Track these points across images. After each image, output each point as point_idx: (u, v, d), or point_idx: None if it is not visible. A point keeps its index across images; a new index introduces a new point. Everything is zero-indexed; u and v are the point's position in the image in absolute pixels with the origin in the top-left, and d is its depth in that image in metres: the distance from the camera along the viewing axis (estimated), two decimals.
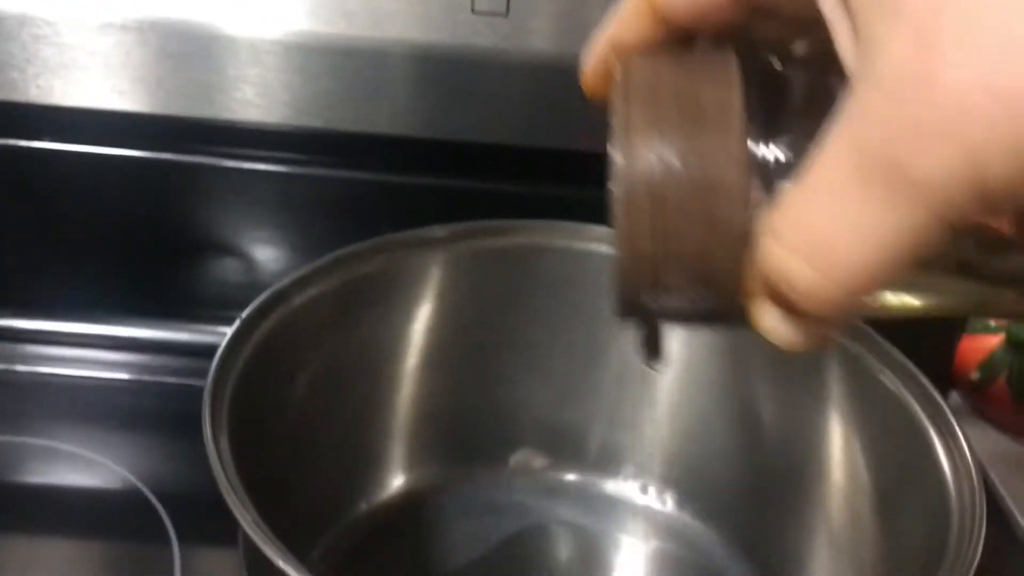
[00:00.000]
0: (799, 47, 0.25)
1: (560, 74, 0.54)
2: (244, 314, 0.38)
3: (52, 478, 0.50)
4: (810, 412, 0.43)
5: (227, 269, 0.59)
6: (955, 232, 0.19)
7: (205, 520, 0.46)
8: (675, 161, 0.22)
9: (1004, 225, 0.22)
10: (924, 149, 0.17)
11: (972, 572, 0.30)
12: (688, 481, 0.49)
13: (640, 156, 0.22)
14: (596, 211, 0.48)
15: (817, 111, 0.22)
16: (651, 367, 0.31)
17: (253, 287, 0.59)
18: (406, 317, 0.45)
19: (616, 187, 0.23)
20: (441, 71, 0.53)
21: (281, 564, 0.29)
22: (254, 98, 0.54)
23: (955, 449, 0.36)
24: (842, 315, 0.20)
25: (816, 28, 0.22)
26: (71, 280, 0.59)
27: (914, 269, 0.20)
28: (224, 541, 0.45)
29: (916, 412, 0.38)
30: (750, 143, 0.22)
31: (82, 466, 0.50)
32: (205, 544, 0.46)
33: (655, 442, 0.50)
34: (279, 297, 0.39)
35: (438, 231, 0.45)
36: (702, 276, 0.23)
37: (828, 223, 0.19)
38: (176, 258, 0.59)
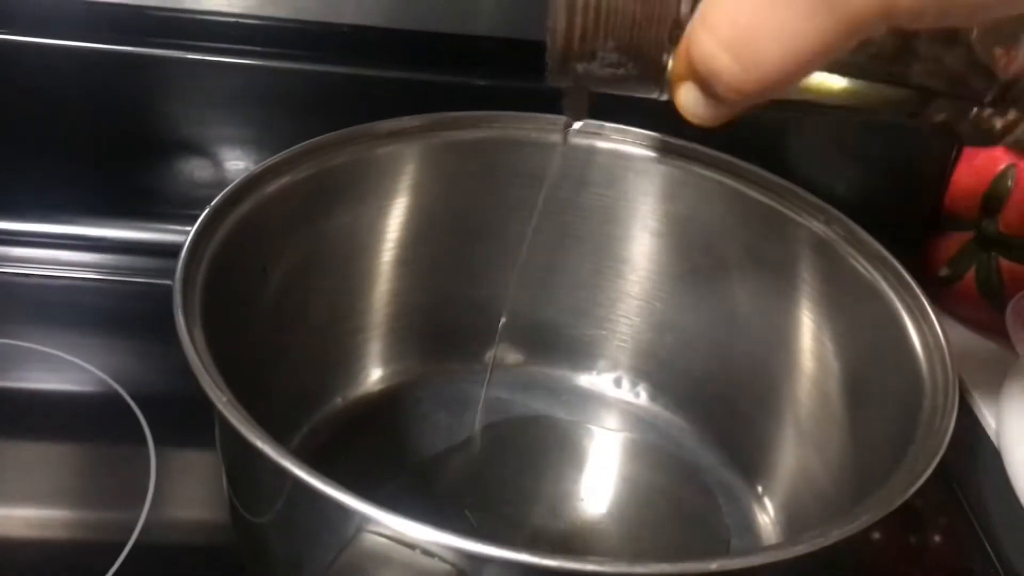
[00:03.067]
0: None
1: None
2: (214, 201, 0.37)
3: (24, 379, 0.50)
4: (783, 301, 0.43)
5: (193, 166, 0.58)
6: (861, 42, 0.22)
7: (181, 421, 0.47)
8: None
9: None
10: None
11: (944, 446, 0.31)
12: (661, 373, 0.49)
13: None
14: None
15: None
16: (573, 120, 0.36)
17: (219, 184, 0.58)
18: (378, 209, 0.44)
19: None
20: None
21: (258, 443, 0.29)
22: None
23: (928, 332, 0.36)
24: (753, 102, 0.23)
25: None
26: (34, 179, 0.58)
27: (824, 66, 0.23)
28: (200, 443, 0.45)
29: (890, 297, 0.38)
30: None
31: (55, 367, 0.50)
32: (181, 445, 0.46)
33: (628, 335, 0.50)
34: (250, 185, 0.38)
35: (410, 121, 0.44)
36: (632, 50, 0.25)
37: (756, 24, 0.22)
38: (141, 155, 0.58)
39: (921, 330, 0.37)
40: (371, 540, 0.28)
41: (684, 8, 0.24)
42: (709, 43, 0.22)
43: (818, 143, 0.59)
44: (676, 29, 0.24)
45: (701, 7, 0.23)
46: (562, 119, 0.46)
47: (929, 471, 0.30)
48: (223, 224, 0.37)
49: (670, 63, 0.25)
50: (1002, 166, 0.56)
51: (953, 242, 0.59)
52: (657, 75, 0.26)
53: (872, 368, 0.39)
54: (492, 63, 0.56)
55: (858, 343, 0.39)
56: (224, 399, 0.30)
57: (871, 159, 0.60)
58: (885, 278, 0.39)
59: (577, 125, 0.38)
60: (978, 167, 0.57)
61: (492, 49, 0.55)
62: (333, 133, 0.42)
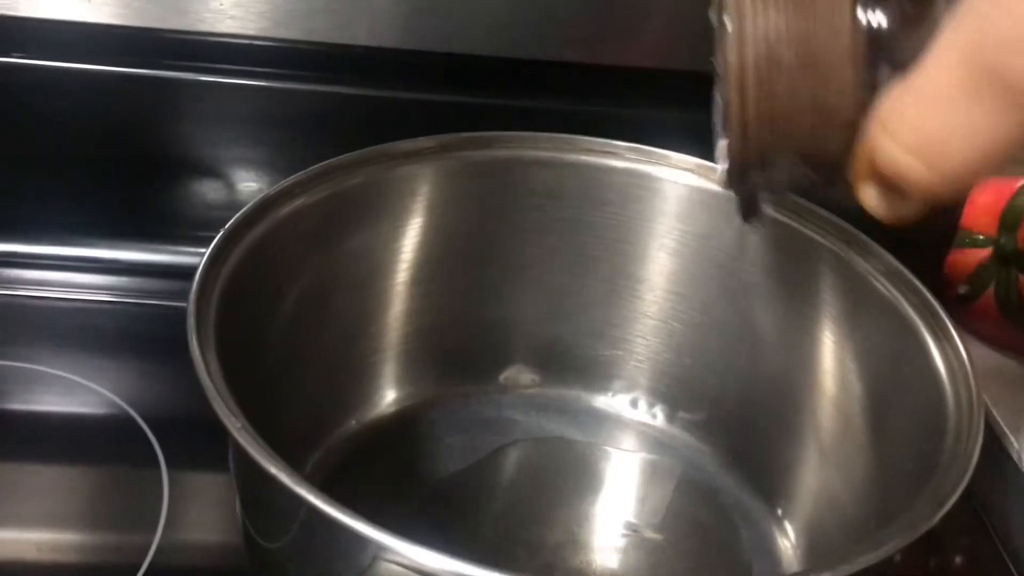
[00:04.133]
0: None
1: None
2: (228, 224, 0.37)
3: (37, 402, 0.49)
4: (802, 320, 0.42)
5: (206, 188, 0.58)
6: None
7: (194, 444, 0.46)
8: (786, 46, 0.24)
9: None
10: None
11: (971, 470, 0.30)
12: (678, 394, 0.49)
13: (751, 39, 0.23)
14: (581, 123, 0.47)
15: None
16: (750, 224, 0.35)
17: (233, 206, 0.58)
18: (394, 230, 0.44)
19: (726, 69, 0.24)
20: None
21: (272, 470, 0.28)
22: (229, 8, 0.52)
23: (951, 351, 0.36)
24: (943, 200, 0.23)
25: None
26: (48, 202, 0.58)
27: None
28: (213, 465, 0.45)
29: (911, 317, 0.38)
30: (857, 11, 0.24)
31: (68, 390, 0.49)
32: (194, 468, 0.46)
33: (645, 356, 0.49)
34: (265, 206, 0.38)
35: (426, 142, 0.44)
36: (808, 156, 0.25)
37: (939, 126, 0.22)
38: (153, 178, 0.58)
39: (944, 351, 0.36)
40: (387, 569, 0.27)
41: (858, 111, 0.24)
42: (893, 148, 0.23)
43: None
44: (852, 131, 0.24)
45: (880, 110, 0.23)
46: (574, 139, 0.46)
47: (956, 496, 0.29)
48: (237, 247, 0.37)
49: (849, 166, 0.25)
50: (1020, 183, 0.55)
51: (971, 259, 0.58)
52: (836, 177, 0.25)
53: (894, 389, 0.38)
54: (505, 83, 0.56)
55: (879, 363, 0.39)
56: (238, 424, 0.30)
57: None
58: (905, 297, 0.38)
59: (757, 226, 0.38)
60: (995, 184, 0.57)
61: (504, 69, 0.55)
62: (348, 154, 0.41)
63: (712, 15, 0.28)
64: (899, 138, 0.22)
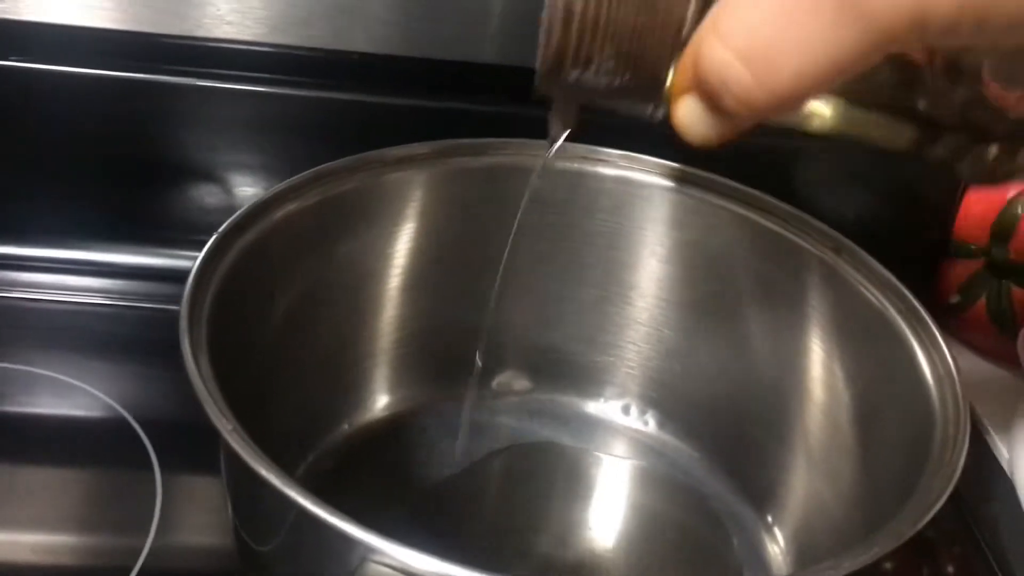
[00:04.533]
0: None
1: None
2: (221, 228, 0.37)
3: (31, 404, 0.49)
4: (791, 328, 0.43)
5: (202, 192, 0.58)
6: (883, 59, 0.20)
7: (188, 447, 0.46)
8: None
9: (919, 57, 0.24)
10: None
11: (956, 476, 0.31)
12: (670, 401, 0.49)
13: None
14: (577, 132, 0.48)
15: None
16: (559, 133, 0.33)
17: (228, 211, 0.57)
18: (386, 236, 0.44)
19: None
20: None
21: (262, 472, 0.28)
22: (227, 14, 0.52)
23: (937, 358, 0.36)
24: (760, 118, 0.22)
25: None
26: (43, 204, 0.58)
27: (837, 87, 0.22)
28: (207, 469, 0.45)
29: (899, 325, 0.38)
30: None
31: (62, 392, 0.49)
32: (188, 472, 0.46)
33: (636, 362, 0.50)
34: (257, 211, 0.38)
35: (419, 148, 0.44)
36: (631, 58, 0.23)
37: (775, 33, 0.20)
38: (149, 181, 0.58)
39: (931, 359, 0.36)
40: (375, 570, 0.27)
41: (689, 17, 0.23)
42: (722, 52, 0.21)
43: (826, 170, 0.59)
44: (679, 38, 0.23)
45: (712, 14, 0.22)
46: (567, 147, 0.46)
47: (940, 504, 0.29)
48: (230, 251, 0.37)
49: (671, 75, 0.24)
50: (1011, 194, 0.56)
51: (963, 269, 0.59)
52: (655, 87, 0.24)
53: (883, 397, 0.38)
54: (500, 90, 0.56)
55: (868, 371, 0.39)
56: (229, 427, 0.30)
57: (879, 186, 0.60)
58: (895, 306, 0.39)
59: (562, 138, 0.35)
60: (987, 194, 0.57)
61: (500, 77, 0.56)
62: (341, 160, 0.42)
63: None
64: (729, 41, 0.21)
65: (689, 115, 0.23)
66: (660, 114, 0.25)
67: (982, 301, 0.58)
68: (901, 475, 0.34)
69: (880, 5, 0.19)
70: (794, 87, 0.21)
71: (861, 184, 0.60)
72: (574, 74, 0.24)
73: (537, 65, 0.25)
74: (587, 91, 0.25)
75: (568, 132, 0.31)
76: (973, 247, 0.58)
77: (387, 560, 0.27)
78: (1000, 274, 0.57)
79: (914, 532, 0.28)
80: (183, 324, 0.33)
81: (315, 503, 0.28)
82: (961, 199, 0.59)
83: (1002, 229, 0.56)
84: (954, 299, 0.59)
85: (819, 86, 0.21)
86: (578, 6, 0.23)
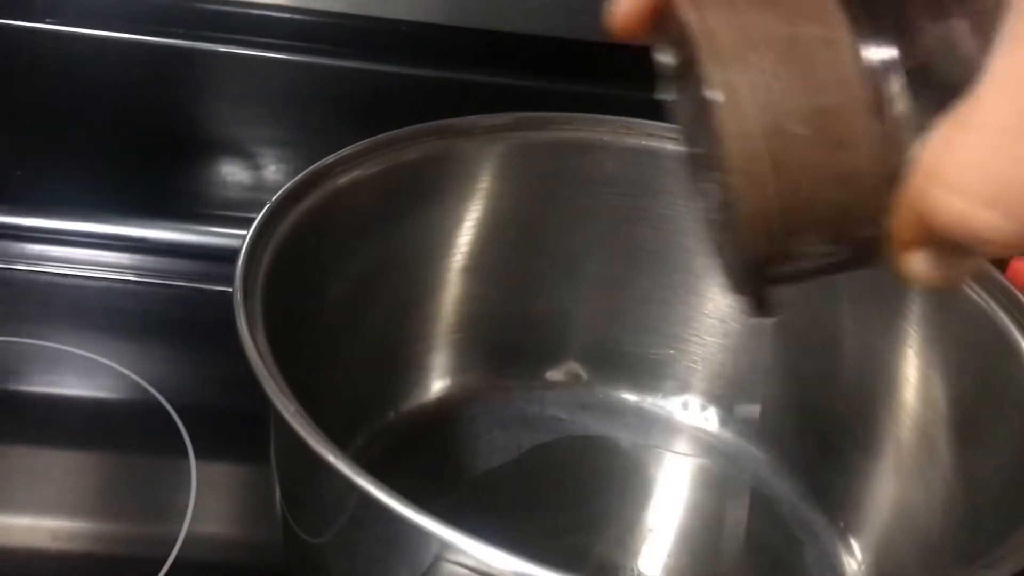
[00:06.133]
0: None
1: None
2: (276, 196, 0.34)
3: (60, 384, 0.47)
4: (880, 325, 0.40)
5: (238, 168, 0.56)
6: None
7: (224, 432, 0.45)
8: (789, 106, 0.19)
9: None
10: None
11: None
12: (733, 398, 0.46)
13: (747, 100, 0.19)
14: (633, 109, 0.45)
15: (923, 21, 0.19)
16: (763, 320, 0.29)
17: (265, 188, 0.56)
18: (448, 211, 0.42)
19: (724, 142, 0.19)
20: None
21: (330, 458, 0.26)
22: None
23: None
24: (1019, 251, 0.19)
25: None
26: (76, 175, 0.56)
27: None
28: (244, 455, 0.43)
29: (1003, 322, 0.35)
30: (861, 51, 0.19)
31: (92, 371, 0.47)
32: (224, 458, 0.44)
33: (700, 356, 0.47)
34: (313, 180, 0.36)
35: (482, 120, 0.42)
36: (838, 236, 0.20)
37: (1013, 166, 0.18)
38: (185, 155, 0.56)
39: None
40: (451, 571, 0.25)
41: (890, 167, 0.20)
42: (958, 202, 0.18)
43: None
44: (887, 194, 0.20)
45: (924, 161, 0.19)
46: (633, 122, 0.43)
47: None
48: (284, 221, 0.35)
49: (889, 233, 0.20)
50: None
51: None
52: (873, 251, 0.21)
53: (983, 402, 0.35)
54: (555, 65, 0.54)
55: (969, 374, 0.36)
56: (292, 408, 0.27)
57: None
58: (997, 301, 0.36)
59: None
60: None
61: (554, 49, 0.53)
62: (405, 128, 0.39)
63: (661, 58, 0.23)
64: (964, 188, 0.18)
65: (923, 267, 0.20)
66: (883, 268, 0.22)
67: None
68: (1008, 483, 0.31)
69: None
70: None
71: None
72: (774, 271, 0.21)
73: (730, 274, 0.23)
74: (792, 279, 0.22)
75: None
76: None
77: (466, 560, 0.25)
78: None
79: None
80: (238, 298, 0.31)
81: (388, 492, 0.25)
82: None
83: None
84: None
85: None
86: (769, 205, 0.20)
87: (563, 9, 0.52)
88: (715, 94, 0.19)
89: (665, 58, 0.23)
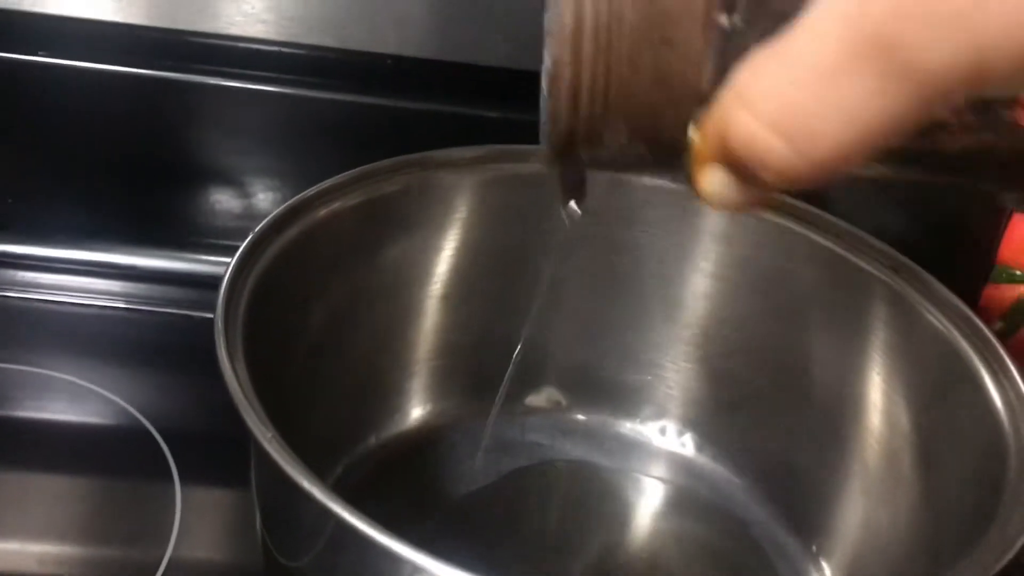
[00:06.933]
0: None
1: None
2: (259, 226, 0.35)
3: (48, 409, 0.48)
4: (847, 351, 0.41)
5: (228, 197, 0.57)
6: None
7: (209, 457, 0.45)
8: (629, 8, 0.20)
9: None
10: (931, 36, 0.17)
11: None
12: (710, 424, 0.47)
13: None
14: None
15: None
16: (570, 210, 0.30)
17: (255, 216, 0.57)
18: (428, 240, 0.43)
19: (555, 19, 0.21)
20: None
21: (305, 485, 0.27)
22: (262, 12, 0.51)
23: (1009, 386, 0.34)
24: (800, 185, 0.20)
25: None
26: (67, 204, 0.56)
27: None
28: (229, 480, 0.43)
29: (963, 348, 0.36)
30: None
31: (80, 397, 0.48)
32: (209, 483, 0.44)
33: (676, 383, 0.48)
34: (298, 209, 0.37)
35: (466, 152, 0.43)
36: (645, 133, 0.21)
37: (811, 100, 0.18)
38: (177, 184, 0.57)
39: (1001, 385, 0.35)
40: None
41: (707, 82, 0.21)
42: (752, 124, 0.19)
43: (866, 189, 0.58)
44: (698, 105, 0.21)
45: (736, 80, 0.20)
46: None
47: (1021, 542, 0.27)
48: (267, 250, 0.36)
49: (692, 144, 0.21)
50: None
51: (1008, 295, 0.57)
52: (674, 158, 0.22)
53: (947, 425, 0.36)
54: (532, 97, 0.55)
55: (931, 398, 0.37)
56: (268, 435, 0.28)
57: (921, 207, 0.58)
58: (958, 328, 0.37)
59: (578, 209, 0.33)
60: None
61: (533, 83, 0.54)
62: (386, 160, 0.40)
63: None
64: (760, 112, 0.19)
65: (716, 185, 0.21)
66: (680, 179, 0.23)
67: None
68: (970, 507, 0.32)
69: (933, 61, 0.17)
70: (837, 156, 0.19)
71: (901, 207, 0.58)
72: (585, 150, 0.22)
73: (542, 142, 0.24)
74: (599, 165, 0.23)
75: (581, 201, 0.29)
76: (1018, 272, 0.57)
77: None
78: None
79: (1004, 563, 0.26)
80: (219, 326, 0.32)
81: (361, 518, 0.26)
82: (1006, 224, 0.57)
83: None
84: (997, 325, 0.57)
85: (865, 153, 0.19)
86: (585, 82, 0.21)
87: (541, 44, 0.53)
88: None
89: None
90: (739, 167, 0.20)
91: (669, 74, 0.20)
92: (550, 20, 0.22)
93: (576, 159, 0.23)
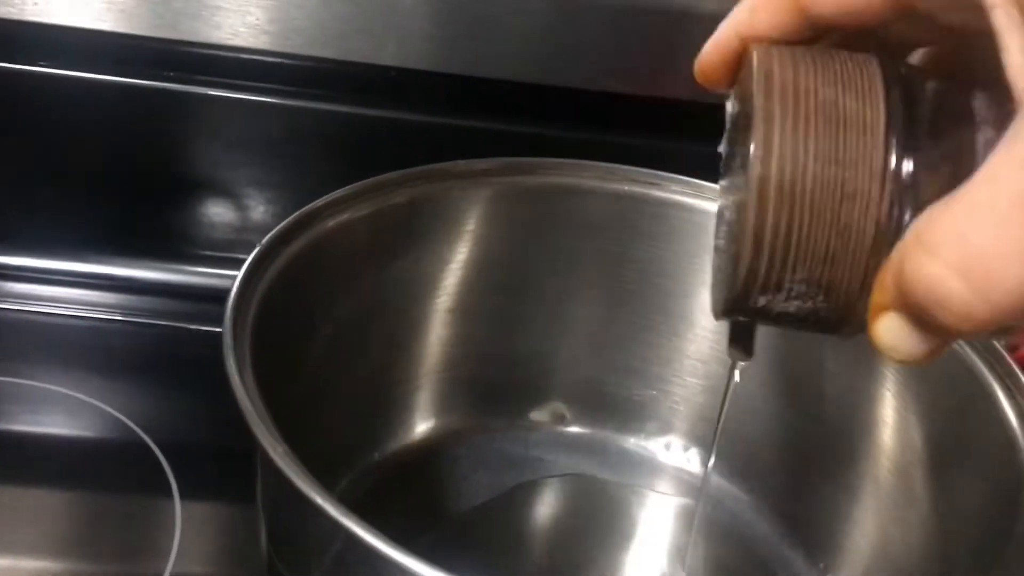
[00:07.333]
0: (922, 55, 0.25)
1: (583, 7, 0.51)
2: (268, 236, 0.35)
3: (45, 423, 0.47)
4: (859, 368, 0.41)
5: (226, 209, 0.56)
6: None
7: (209, 471, 0.45)
8: (813, 162, 0.22)
9: None
10: None
11: None
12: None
13: (778, 152, 0.22)
14: (616, 155, 0.46)
15: (952, 128, 0.22)
16: (737, 361, 0.30)
17: (253, 229, 0.57)
18: (436, 254, 0.43)
19: (748, 180, 0.22)
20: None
21: (318, 500, 0.26)
22: (265, 23, 0.51)
23: (1021, 399, 0.34)
24: (982, 332, 0.20)
25: (957, 37, 0.23)
26: (62, 215, 0.56)
27: None
28: (229, 495, 0.43)
29: (977, 366, 0.36)
30: (890, 156, 0.22)
31: (77, 410, 0.47)
32: (209, 497, 0.44)
33: (682, 397, 0.48)
34: (306, 220, 0.36)
35: (472, 165, 0.43)
36: (823, 281, 0.22)
37: (991, 243, 0.19)
38: (172, 195, 0.56)
39: (1014, 400, 0.34)
40: None
41: (885, 232, 0.22)
42: (933, 267, 0.19)
43: None
44: (876, 257, 0.22)
45: (915, 228, 0.20)
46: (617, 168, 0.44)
47: None
48: (276, 261, 0.35)
49: (871, 293, 0.22)
50: None
51: None
52: (849, 309, 0.23)
53: (960, 442, 0.36)
54: (540, 111, 0.55)
55: (944, 416, 0.37)
56: (280, 450, 0.28)
57: None
58: (970, 345, 0.37)
59: (742, 366, 0.33)
60: None
61: (539, 97, 0.54)
62: (395, 172, 0.40)
63: (729, 105, 0.26)
64: (942, 256, 0.19)
65: (894, 334, 0.21)
66: (852, 333, 0.24)
67: None
68: (984, 524, 0.32)
69: None
70: (1018, 298, 0.19)
71: None
72: (762, 300, 0.23)
73: (721, 292, 0.25)
74: (772, 317, 0.24)
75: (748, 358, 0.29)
76: None
77: None
78: None
79: None
80: (227, 339, 0.31)
81: (373, 533, 0.26)
82: None
83: None
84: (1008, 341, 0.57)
85: None
86: (768, 231, 0.22)
87: (548, 58, 0.53)
88: (757, 147, 0.22)
89: (731, 107, 0.26)
90: (918, 313, 0.20)
91: (849, 224, 0.22)
92: (733, 173, 0.24)
93: (752, 312, 0.24)
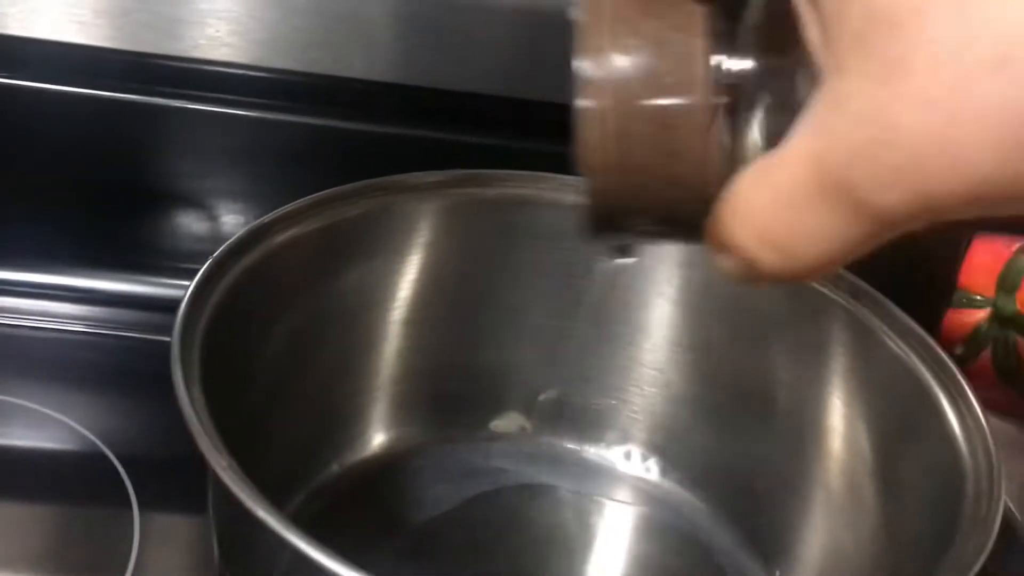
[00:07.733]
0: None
1: (547, 21, 0.52)
2: (218, 251, 0.35)
3: (4, 435, 0.47)
4: (809, 376, 0.41)
5: (192, 220, 0.56)
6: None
7: (169, 483, 0.44)
8: (642, 85, 0.23)
9: None
10: (880, 184, 0.19)
11: (993, 535, 0.29)
12: (674, 448, 0.47)
13: (607, 89, 0.23)
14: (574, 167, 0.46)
15: (777, 38, 0.22)
16: (622, 258, 0.31)
17: (218, 239, 0.56)
18: (389, 265, 0.43)
19: (586, 134, 0.23)
20: (425, 12, 0.51)
21: (260, 513, 0.26)
22: (226, 35, 0.51)
23: (966, 411, 0.35)
24: (795, 282, 0.22)
25: None
26: (24, 227, 0.55)
27: None
28: (188, 507, 0.43)
29: (923, 375, 0.37)
30: (712, 58, 0.23)
31: (37, 423, 0.47)
32: (168, 509, 0.44)
33: (640, 407, 0.48)
34: (257, 235, 0.36)
35: (427, 177, 0.43)
36: (667, 222, 0.24)
37: (788, 225, 0.21)
38: (137, 207, 0.56)
39: (959, 410, 0.35)
40: None
41: (714, 187, 0.23)
42: (743, 236, 0.21)
43: None
44: (708, 205, 0.23)
45: (732, 192, 0.22)
46: (575, 180, 0.45)
47: (983, 558, 0.28)
48: (226, 275, 0.35)
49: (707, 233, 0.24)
50: (1018, 245, 0.55)
51: (968, 320, 0.58)
52: (693, 239, 0.24)
53: (906, 450, 0.37)
54: (502, 123, 0.55)
55: (890, 423, 0.38)
56: (223, 463, 0.28)
57: None
58: (917, 354, 0.37)
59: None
60: (993, 245, 0.56)
61: (503, 108, 0.54)
62: (346, 185, 0.40)
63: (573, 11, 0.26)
64: (746, 225, 0.21)
65: (727, 268, 0.23)
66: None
67: (987, 352, 0.57)
68: (929, 531, 0.32)
69: (884, 203, 0.19)
70: (816, 267, 0.21)
71: None
72: (618, 235, 0.26)
73: (584, 224, 0.26)
74: (635, 240, 0.27)
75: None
76: (979, 297, 0.57)
77: None
78: (1006, 325, 0.56)
79: None
80: (175, 351, 0.31)
81: (317, 548, 0.26)
82: (967, 249, 0.58)
83: (1008, 280, 0.55)
84: (958, 350, 0.58)
85: (837, 264, 0.21)
86: (610, 184, 0.23)
87: (507, 70, 0.53)
88: (585, 73, 0.23)
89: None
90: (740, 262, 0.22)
91: (679, 178, 0.23)
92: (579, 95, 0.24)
93: (617, 234, 0.26)
